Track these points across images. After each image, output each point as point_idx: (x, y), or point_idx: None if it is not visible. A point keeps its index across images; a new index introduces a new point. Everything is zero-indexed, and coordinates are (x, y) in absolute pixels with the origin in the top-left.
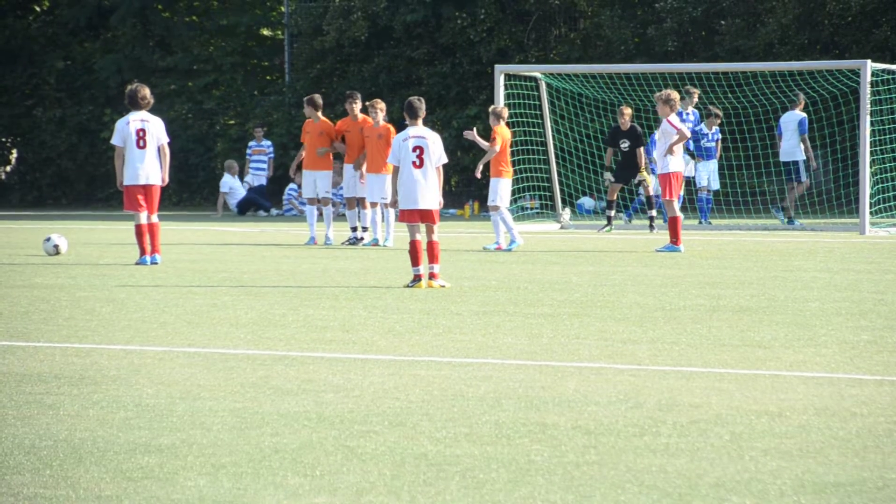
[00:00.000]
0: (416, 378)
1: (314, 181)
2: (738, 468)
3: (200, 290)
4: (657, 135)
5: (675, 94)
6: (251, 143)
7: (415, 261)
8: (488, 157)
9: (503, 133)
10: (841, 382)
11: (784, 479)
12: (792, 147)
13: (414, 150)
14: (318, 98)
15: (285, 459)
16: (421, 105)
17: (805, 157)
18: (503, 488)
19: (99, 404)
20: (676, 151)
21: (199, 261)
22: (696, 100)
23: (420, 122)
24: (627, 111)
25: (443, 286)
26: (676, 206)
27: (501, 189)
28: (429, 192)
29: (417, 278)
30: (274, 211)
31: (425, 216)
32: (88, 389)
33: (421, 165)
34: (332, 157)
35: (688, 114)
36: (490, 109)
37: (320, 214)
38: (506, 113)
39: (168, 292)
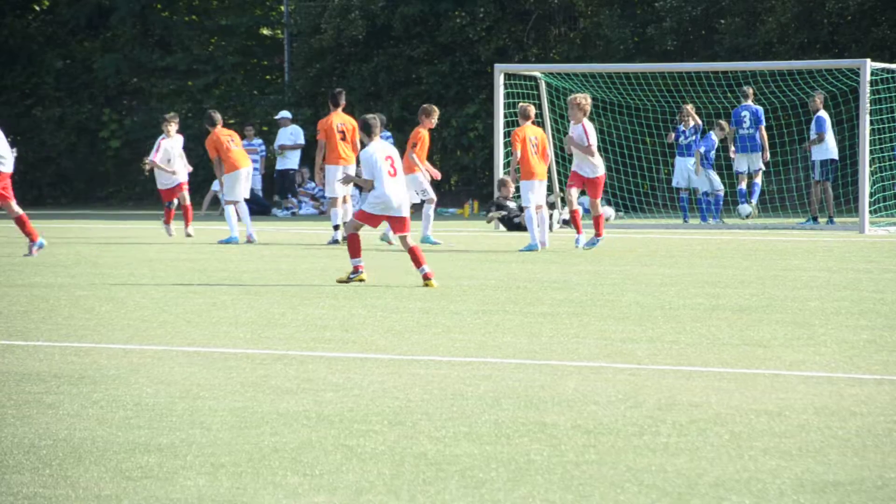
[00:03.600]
0: (416, 377)
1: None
2: (738, 467)
3: (200, 289)
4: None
5: (588, 99)
6: (242, 143)
7: (355, 252)
8: (513, 162)
9: (520, 135)
10: (840, 382)
11: (783, 479)
12: (831, 146)
13: (386, 159)
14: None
15: (285, 459)
16: (376, 122)
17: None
18: (502, 487)
19: (98, 403)
20: (599, 160)
21: (198, 260)
22: (750, 99)
23: (377, 137)
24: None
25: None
26: (598, 204)
27: (525, 190)
28: (406, 198)
29: (358, 270)
30: (280, 212)
31: (403, 224)
32: (88, 389)
33: (395, 174)
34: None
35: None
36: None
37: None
38: (531, 111)
39: (167, 291)
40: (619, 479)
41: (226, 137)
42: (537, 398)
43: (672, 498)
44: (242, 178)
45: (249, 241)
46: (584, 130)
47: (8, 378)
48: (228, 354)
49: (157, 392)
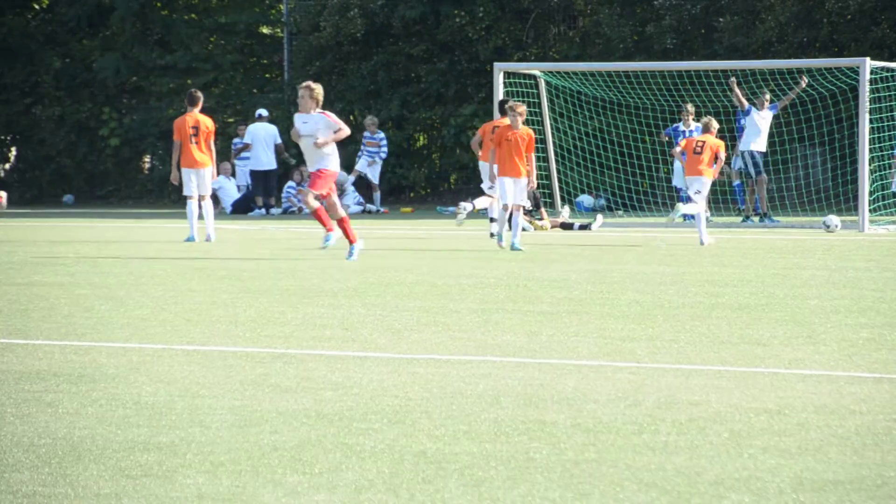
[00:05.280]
0: (415, 376)
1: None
2: (737, 466)
3: (199, 287)
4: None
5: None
6: (235, 141)
7: None
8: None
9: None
10: (840, 380)
11: (783, 477)
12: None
13: None
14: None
15: (284, 457)
16: None
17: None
18: (502, 486)
19: (98, 402)
20: (332, 150)
21: (198, 258)
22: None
23: None
24: None
25: None
26: (311, 198)
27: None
28: None
29: None
30: (276, 210)
31: None
32: (87, 387)
33: None
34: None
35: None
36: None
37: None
38: (714, 126)
39: (167, 290)
40: (618, 477)
41: (190, 129)
42: (537, 396)
43: (671, 496)
44: (192, 176)
45: (207, 240)
46: (334, 119)
47: (7, 376)
48: (228, 353)
49: (157, 390)
